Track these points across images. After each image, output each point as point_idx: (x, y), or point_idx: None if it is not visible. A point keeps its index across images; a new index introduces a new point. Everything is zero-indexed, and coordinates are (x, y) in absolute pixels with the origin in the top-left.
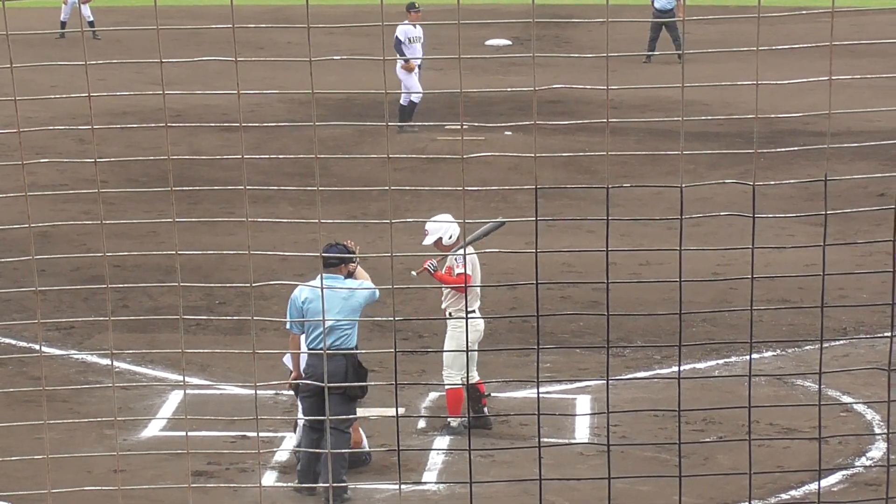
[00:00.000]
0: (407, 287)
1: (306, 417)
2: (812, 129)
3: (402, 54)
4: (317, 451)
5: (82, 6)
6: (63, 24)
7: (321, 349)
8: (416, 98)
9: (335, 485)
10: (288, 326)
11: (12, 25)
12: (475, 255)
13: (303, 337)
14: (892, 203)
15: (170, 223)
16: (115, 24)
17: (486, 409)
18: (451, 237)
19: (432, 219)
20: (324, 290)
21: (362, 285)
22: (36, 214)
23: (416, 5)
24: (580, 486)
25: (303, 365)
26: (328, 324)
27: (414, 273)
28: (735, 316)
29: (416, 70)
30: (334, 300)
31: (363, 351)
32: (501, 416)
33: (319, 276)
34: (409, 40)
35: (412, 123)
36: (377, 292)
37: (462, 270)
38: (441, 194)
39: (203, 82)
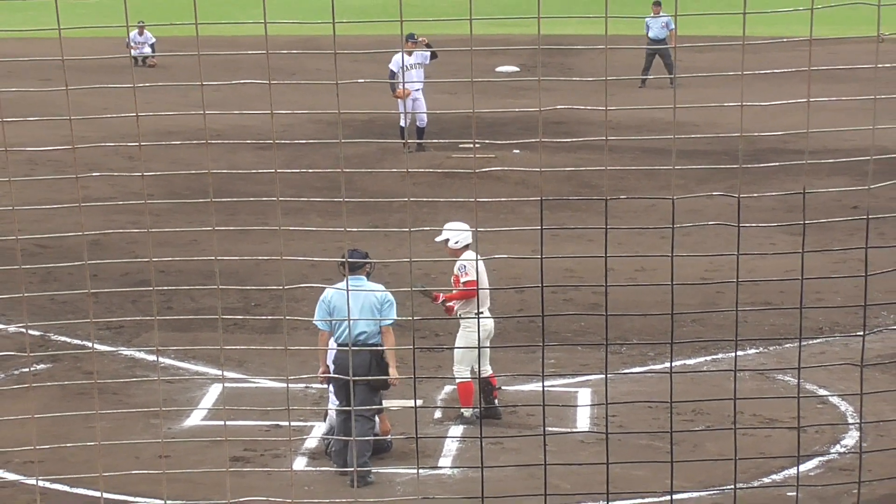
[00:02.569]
0: (424, 289)
1: (336, 408)
2: (792, 147)
3: (392, 80)
4: (344, 438)
5: (146, 45)
6: (134, 55)
7: (346, 343)
8: (403, 122)
9: (359, 469)
10: (320, 325)
11: (68, 53)
12: (481, 262)
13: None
14: (865, 215)
15: (210, 232)
16: (160, 52)
17: (496, 401)
18: (456, 242)
19: (450, 223)
20: (345, 290)
21: (380, 288)
22: (89, 224)
23: (415, 36)
24: (581, 470)
25: (331, 358)
26: (356, 319)
27: (421, 287)
28: (722, 317)
29: (415, 94)
30: (356, 299)
31: (384, 347)
32: (510, 407)
33: (346, 278)
34: (407, 67)
35: (406, 141)
36: (394, 308)
37: (469, 278)
38: (455, 206)
39: (240, 104)
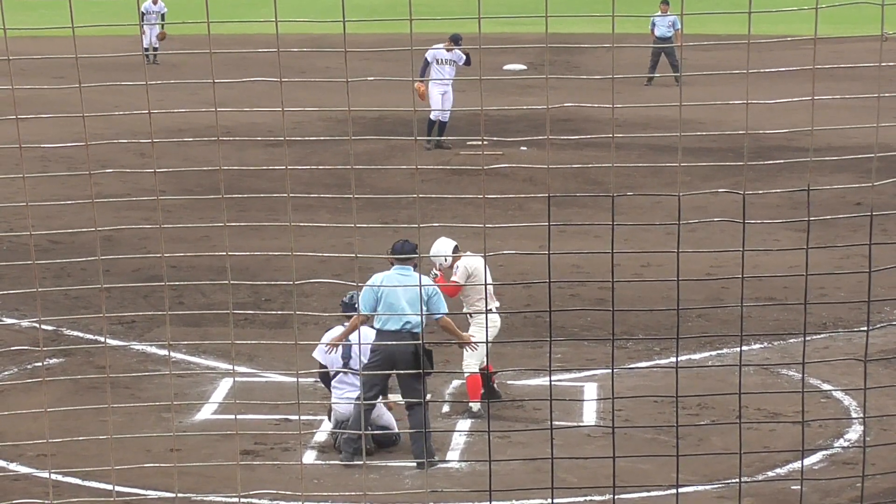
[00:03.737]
0: (434, 285)
1: (354, 402)
2: (796, 144)
3: (423, 74)
4: (354, 432)
5: (155, 39)
6: (147, 50)
7: (395, 330)
8: (433, 115)
9: (428, 459)
10: (363, 309)
11: (81, 52)
12: (479, 265)
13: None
14: (868, 211)
15: (221, 228)
16: (172, 51)
17: (495, 385)
18: (445, 260)
19: (432, 251)
20: (395, 282)
21: (427, 281)
22: (101, 220)
23: (460, 41)
24: (588, 464)
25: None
26: (401, 309)
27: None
28: (727, 312)
29: (444, 88)
30: (406, 289)
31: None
32: (517, 401)
33: (393, 267)
34: (437, 61)
35: (429, 138)
36: (442, 299)
37: (455, 278)
38: (463, 203)
39: (251, 102)
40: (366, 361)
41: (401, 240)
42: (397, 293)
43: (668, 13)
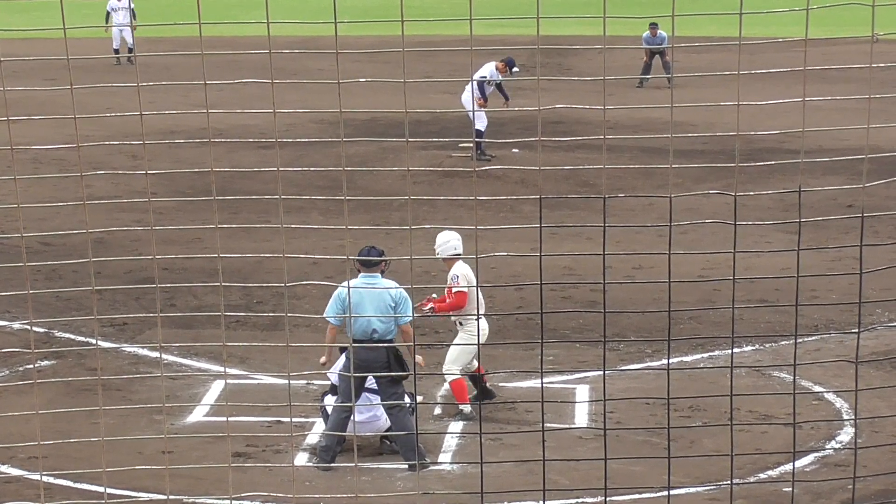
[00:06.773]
0: (425, 286)
1: (339, 404)
2: (787, 146)
3: (483, 90)
4: (340, 433)
5: (125, 34)
6: (117, 52)
7: (363, 339)
8: (482, 126)
9: (420, 462)
10: (331, 320)
11: (72, 53)
12: (469, 271)
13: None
14: (859, 213)
15: (213, 230)
16: (163, 52)
17: (488, 385)
18: (438, 253)
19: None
20: (360, 287)
21: (393, 285)
22: (93, 222)
23: (513, 69)
24: (579, 466)
25: (343, 354)
26: (370, 317)
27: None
28: (718, 314)
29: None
30: (371, 296)
31: (400, 344)
32: (509, 403)
33: (360, 274)
34: (490, 81)
35: (476, 141)
36: (410, 305)
37: (459, 289)
38: (455, 205)
39: (242, 104)
40: (341, 369)
41: (367, 246)
42: (363, 301)
43: (658, 33)
